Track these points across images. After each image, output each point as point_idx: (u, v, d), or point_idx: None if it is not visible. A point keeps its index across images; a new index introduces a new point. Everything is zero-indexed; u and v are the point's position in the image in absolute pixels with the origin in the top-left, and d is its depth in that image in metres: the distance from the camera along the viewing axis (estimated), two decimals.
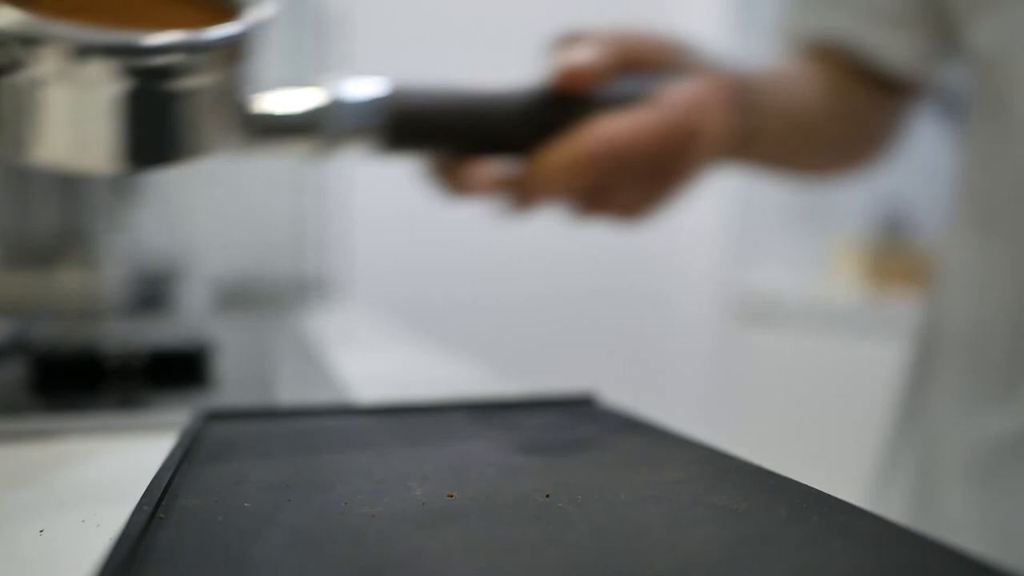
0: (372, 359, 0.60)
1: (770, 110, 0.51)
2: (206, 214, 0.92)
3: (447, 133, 0.39)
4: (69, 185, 1.05)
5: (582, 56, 0.40)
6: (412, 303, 1.50)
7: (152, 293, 0.95)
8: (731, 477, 0.22)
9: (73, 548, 0.21)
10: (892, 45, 0.56)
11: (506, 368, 0.64)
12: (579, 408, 0.32)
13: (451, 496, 0.20)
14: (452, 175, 0.41)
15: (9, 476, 0.28)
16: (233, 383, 0.46)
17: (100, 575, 0.15)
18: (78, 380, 0.43)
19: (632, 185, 0.42)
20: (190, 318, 0.83)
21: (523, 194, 0.41)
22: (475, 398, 0.33)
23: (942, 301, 0.54)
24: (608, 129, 0.39)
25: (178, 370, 0.45)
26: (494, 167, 0.40)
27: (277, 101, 0.36)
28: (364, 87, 0.38)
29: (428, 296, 1.57)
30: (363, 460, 0.24)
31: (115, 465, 0.30)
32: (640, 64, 0.43)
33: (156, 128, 0.30)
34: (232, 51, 0.30)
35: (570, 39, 0.43)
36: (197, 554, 0.17)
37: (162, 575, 0.16)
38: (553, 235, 1.75)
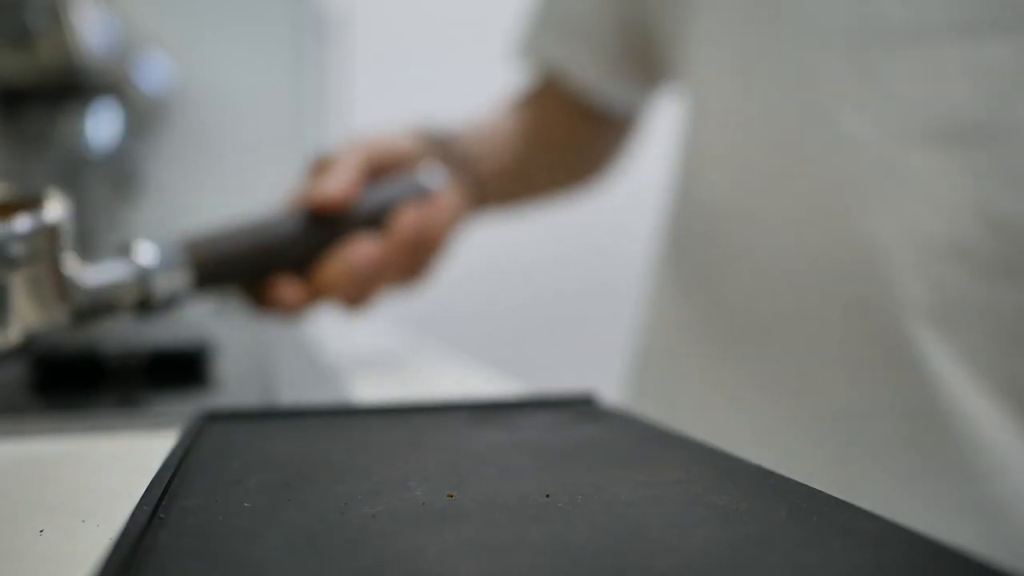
0: (371, 358, 0.60)
1: (489, 171, 0.60)
2: (206, 214, 0.93)
3: (243, 267, 0.47)
4: (69, 185, 1.05)
5: (330, 187, 0.48)
6: (411, 302, 1.50)
7: None
8: (731, 477, 0.22)
9: (73, 548, 0.21)
10: (602, 79, 0.61)
11: (506, 368, 0.64)
12: (579, 408, 0.32)
13: (451, 496, 0.20)
14: (256, 297, 0.48)
15: (9, 476, 0.28)
16: (233, 383, 0.46)
17: (100, 575, 0.15)
18: (78, 380, 0.43)
19: (391, 279, 0.51)
20: (190, 318, 0.83)
21: (308, 299, 0.48)
22: (475, 398, 0.33)
23: (652, 319, 0.60)
24: (359, 252, 0.48)
25: (178, 370, 0.45)
26: (287, 284, 0.48)
27: (91, 277, 0.39)
28: (165, 250, 0.42)
29: (427, 295, 1.57)
30: (363, 460, 0.24)
31: (115, 465, 0.30)
32: (390, 168, 0.52)
33: None
34: (39, 242, 0.34)
35: (321, 164, 0.51)
36: (197, 554, 0.17)
37: (162, 575, 0.16)
38: (553, 235, 1.75)
